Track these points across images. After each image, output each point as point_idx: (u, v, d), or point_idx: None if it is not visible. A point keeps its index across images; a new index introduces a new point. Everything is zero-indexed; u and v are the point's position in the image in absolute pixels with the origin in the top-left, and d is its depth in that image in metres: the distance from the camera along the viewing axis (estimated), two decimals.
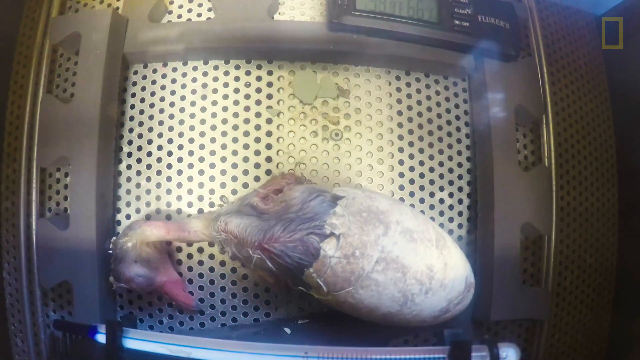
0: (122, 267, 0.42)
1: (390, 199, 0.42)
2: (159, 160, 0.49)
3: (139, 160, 0.49)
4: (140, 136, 0.49)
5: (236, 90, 0.49)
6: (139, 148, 0.49)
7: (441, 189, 0.50)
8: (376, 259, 0.37)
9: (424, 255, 0.38)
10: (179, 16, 0.51)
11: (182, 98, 0.49)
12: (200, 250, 0.48)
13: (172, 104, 0.49)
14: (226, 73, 0.50)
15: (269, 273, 0.41)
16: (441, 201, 0.50)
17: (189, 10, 0.51)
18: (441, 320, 0.40)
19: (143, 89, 0.50)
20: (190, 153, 0.49)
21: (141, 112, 0.50)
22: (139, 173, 0.49)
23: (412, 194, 0.49)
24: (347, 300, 0.38)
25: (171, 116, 0.49)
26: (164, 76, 0.50)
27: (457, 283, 0.39)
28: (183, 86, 0.49)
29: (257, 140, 0.49)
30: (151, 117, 0.49)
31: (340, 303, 0.38)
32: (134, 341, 0.40)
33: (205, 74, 0.50)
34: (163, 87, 0.50)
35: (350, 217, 0.37)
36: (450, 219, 0.50)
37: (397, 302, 0.38)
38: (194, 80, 0.50)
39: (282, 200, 0.41)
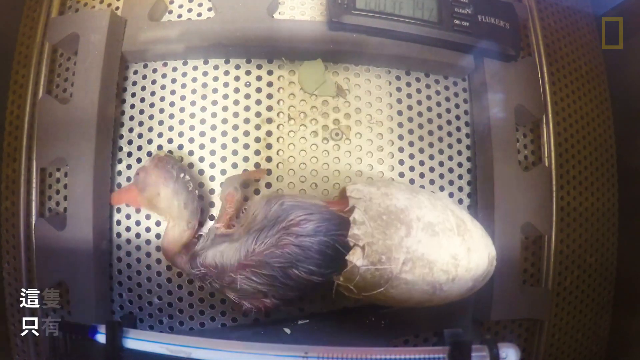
0: None
1: (406, 190, 0.41)
2: None
3: (139, 160, 0.49)
4: (140, 136, 0.49)
5: (236, 90, 0.49)
6: (139, 148, 0.49)
7: (441, 189, 0.50)
8: (403, 260, 0.37)
9: (447, 246, 0.38)
10: (179, 15, 0.51)
11: (182, 98, 0.49)
12: None
13: (172, 104, 0.49)
14: (226, 73, 0.50)
15: (256, 292, 0.41)
16: None
17: (189, 10, 0.51)
18: (468, 295, 0.41)
19: (143, 88, 0.50)
20: (191, 153, 0.49)
21: (141, 112, 0.50)
22: None
23: None
24: (378, 298, 0.39)
25: (171, 116, 0.49)
26: (164, 76, 0.50)
27: (481, 262, 0.40)
28: (183, 86, 0.49)
29: (257, 140, 0.49)
30: (151, 117, 0.49)
31: (372, 300, 0.40)
32: (134, 341, 0.40)
33: (205, 73, 0.50)
34: (163, 87, 0.50)
35: (370, 222, 0.37)
36: None
37: (427, 293, 0.38)
38: (194, 80, 0.49)
39: (246, 217, 0.42)
